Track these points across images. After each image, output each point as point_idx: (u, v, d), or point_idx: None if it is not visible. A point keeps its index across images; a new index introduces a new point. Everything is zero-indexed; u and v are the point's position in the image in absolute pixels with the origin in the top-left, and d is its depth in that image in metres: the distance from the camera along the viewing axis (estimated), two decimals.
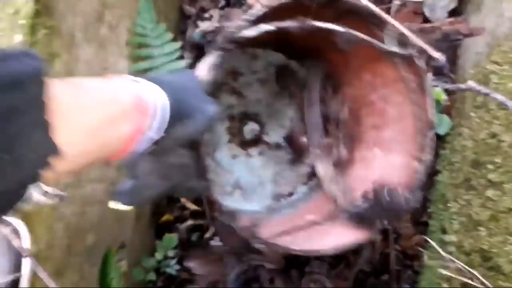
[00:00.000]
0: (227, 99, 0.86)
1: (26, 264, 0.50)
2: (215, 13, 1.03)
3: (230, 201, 0.83)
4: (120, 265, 0.80)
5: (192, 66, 0.90)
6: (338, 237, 0.71)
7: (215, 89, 0.84)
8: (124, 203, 0.51)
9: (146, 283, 0.90)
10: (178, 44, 0.87)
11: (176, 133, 0.46)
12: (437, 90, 0.88)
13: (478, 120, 0.78)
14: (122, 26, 0.80)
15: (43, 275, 0.51)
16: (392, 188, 0.68)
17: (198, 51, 1.02)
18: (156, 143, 0.45)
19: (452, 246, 0.78)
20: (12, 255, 0.52)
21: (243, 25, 0.60)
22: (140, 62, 0.84)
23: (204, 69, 0.59)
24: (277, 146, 0.91)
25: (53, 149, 0.33)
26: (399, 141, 0.75)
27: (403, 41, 0.68)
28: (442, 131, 0.90)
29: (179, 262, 0.95)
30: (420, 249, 0.91)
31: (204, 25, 1.02)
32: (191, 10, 1.02)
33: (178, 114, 0.45)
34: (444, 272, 0.77)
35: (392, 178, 0.72)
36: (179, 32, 1.01)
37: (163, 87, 0.45)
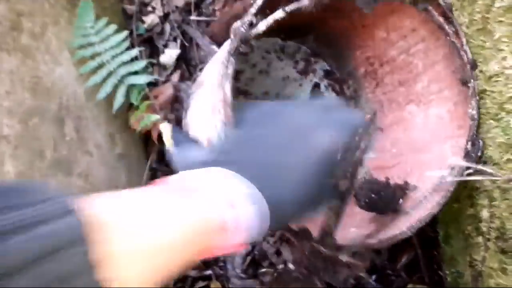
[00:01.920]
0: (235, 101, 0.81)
1: None
2: (157, 3, 1.00)
3: None
4: None
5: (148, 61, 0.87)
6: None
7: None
8: None
9: None
10: (124, 34, 0.82)
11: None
12: None
13: None
14: (51, 34, 0.78)
15: None
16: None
17: (148, 44, 0.99)
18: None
19: None
20: None
21: (250, 20, 0.54)
22: (88, 63, 0.81)
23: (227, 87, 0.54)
24: None
25: None
26: (435, 91, 0.67)
27: None
28: None
29: None
30: None
31: (149, 19, 1.00)
32: (131, 8, 0.99)
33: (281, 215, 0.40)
34: None
35: (439, 132, 0.65)
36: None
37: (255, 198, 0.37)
